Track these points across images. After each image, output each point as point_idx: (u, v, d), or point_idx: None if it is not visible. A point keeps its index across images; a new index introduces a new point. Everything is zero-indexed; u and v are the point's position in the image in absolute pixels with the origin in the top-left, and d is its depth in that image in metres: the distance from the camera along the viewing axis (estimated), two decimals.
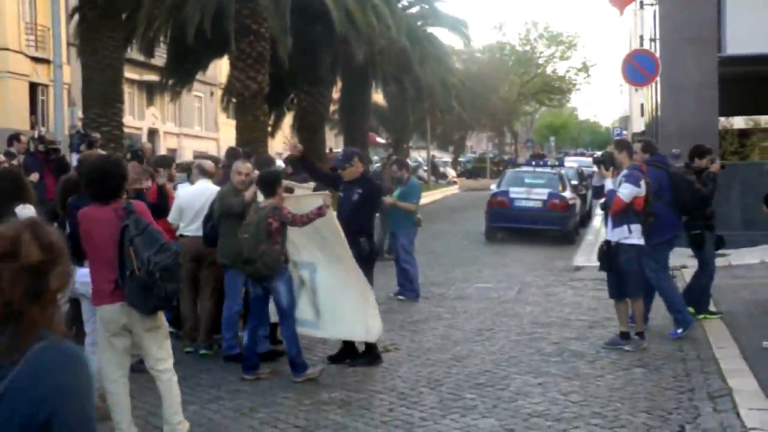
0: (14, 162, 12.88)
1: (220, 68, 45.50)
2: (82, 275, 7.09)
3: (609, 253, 10.14)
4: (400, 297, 13.67)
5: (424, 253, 16.36)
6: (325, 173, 10.92)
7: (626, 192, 9.89)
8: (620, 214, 10.02)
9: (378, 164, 60.89)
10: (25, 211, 6.78)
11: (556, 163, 28.64)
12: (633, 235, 10.02)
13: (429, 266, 16.24)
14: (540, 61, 76.67)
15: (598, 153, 20.59)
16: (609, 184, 10.17)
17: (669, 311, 10.88)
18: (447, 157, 71.59)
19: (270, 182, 8.95)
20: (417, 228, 14.65)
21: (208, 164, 10.73)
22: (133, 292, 6.51)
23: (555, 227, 22.06)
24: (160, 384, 6.91)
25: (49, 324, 2.52)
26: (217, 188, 9.97)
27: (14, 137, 14.60)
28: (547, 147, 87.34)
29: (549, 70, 77.93)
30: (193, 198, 10.12)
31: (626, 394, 8.30)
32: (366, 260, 9.51)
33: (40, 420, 2.42)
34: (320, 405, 8.00)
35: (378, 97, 44.24)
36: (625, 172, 10.11)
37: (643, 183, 10.01)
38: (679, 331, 10.53)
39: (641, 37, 33.92)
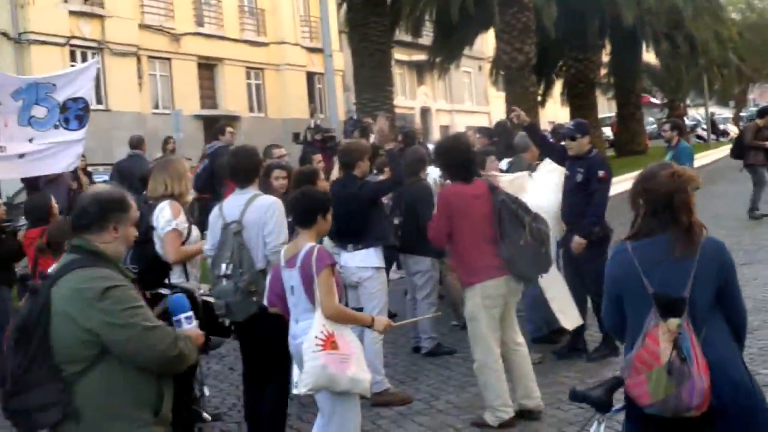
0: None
1: (487, 42, 45.56)
2: (350, 259, 7.28)
3: None
4: None
5: (706, 216, 15.58)
6: (553, 145, 9.68)
7: None
8: None
9: (653, 125, 59.09)
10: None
11: None
12: None
13: (713, 230, 15.38)
14: None
15: None
16: None
17: None
18: (728, 113, 68.16)
19: None
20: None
21: None
22: (526, 261, 6.75)
23: None
24: (516, 358, 6.94)
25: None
26: None
27: (219, 130, 14.87)
28: None
29: None
30: None
31: None
32: (597, 244, 8.47)
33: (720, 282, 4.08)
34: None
35: (649, 56, 42.74)
36: None
37: None
38: None
39: None
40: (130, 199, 4.08)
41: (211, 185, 13.26)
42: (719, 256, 4.13)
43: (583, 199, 8.37)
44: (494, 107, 50.90)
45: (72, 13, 27.31)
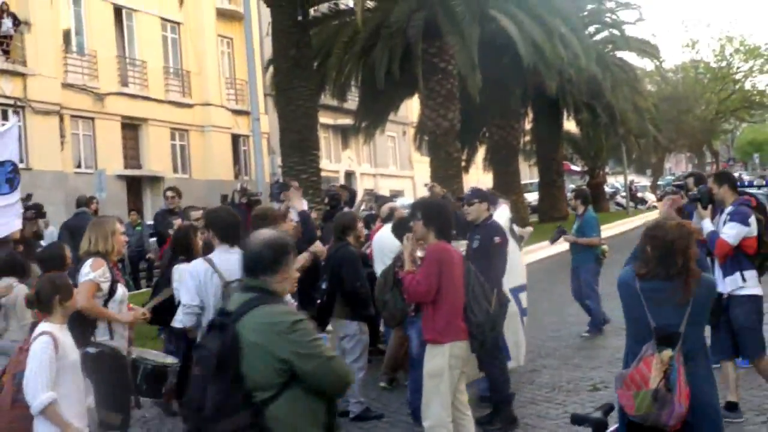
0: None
1: (411, 107, 46.08)
2: None
3: (719, 307, 8.13)
4: (584, 334, 13.17)
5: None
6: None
7: (733, 233, 8.23)
8: (730, 260, 8.31)
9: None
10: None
11: (764, 182, 27.21)
12: (748, 284, 8.30)
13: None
14: (737, 77, 73.67)
15: None
16: (707, 225, 8.49)
17: None
18: (645, 181, 69.73)
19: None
20: (602, 260, 13.66)
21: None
22: (484, 330, 7.03)
23: None
24: (465, 423, 7.07)
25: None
26: None
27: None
28: (750, 164, 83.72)
29: (748, 85, 74.78)
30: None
31: None
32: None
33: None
34: None
35: (570, 125, 43.72)
36: (729, 209, 8.42)
37: (753, 220, 8.29)
38: None
39: None
40: (292, 244, 4.61)
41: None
42: (711, 293, 5.19)
43: (484, 264, 8.43)
44: (418, 171, 51.30)
45: None
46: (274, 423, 4.13)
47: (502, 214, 9.88)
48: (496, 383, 8.72)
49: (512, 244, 9.52)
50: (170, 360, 7.29)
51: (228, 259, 6.59)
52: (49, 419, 5.63)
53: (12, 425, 5.62)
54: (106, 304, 6.70)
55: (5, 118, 27.11)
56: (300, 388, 4.18)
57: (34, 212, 13.96)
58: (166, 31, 36.10)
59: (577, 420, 5.22)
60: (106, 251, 6.84)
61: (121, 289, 6.87)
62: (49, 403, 5.61)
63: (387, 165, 53.59)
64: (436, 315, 7.00)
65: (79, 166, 30.99)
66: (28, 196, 16.01)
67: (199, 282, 6.61)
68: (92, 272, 6.79)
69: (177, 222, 11.98)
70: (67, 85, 30.15)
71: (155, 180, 32.25)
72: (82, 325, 6.60)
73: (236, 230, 6.81)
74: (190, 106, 36.35)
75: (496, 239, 8.73)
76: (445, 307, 6.95)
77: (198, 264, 6.75)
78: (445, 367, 6.89)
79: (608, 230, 33.67)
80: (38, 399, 5.57)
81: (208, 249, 7.74)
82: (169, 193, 15.17)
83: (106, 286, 6.73)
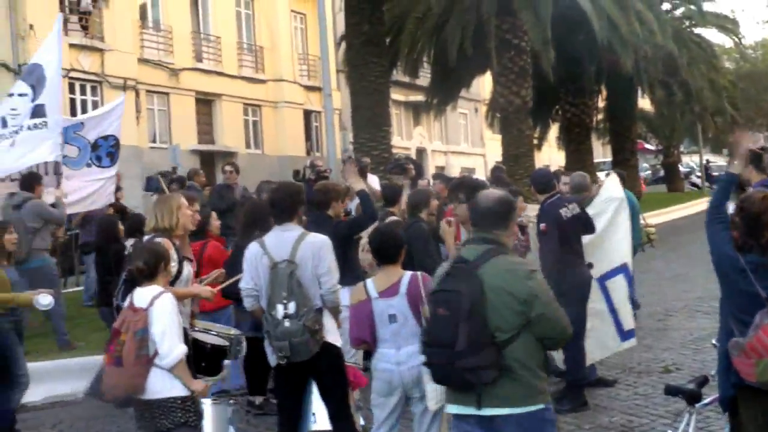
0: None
1: (483, 84, 45.81)
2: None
3: None
4: None
5: (703, 264, 15.64)
6: None
7: None
8: None
9: (648, 171, 59.06)
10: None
11: None
12: None
13: (708, 278, 15.48)
14: None
15: None
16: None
17: None
18: (722, 161, 68.45)
19: None
20: (643, 247, 13.37)
21: None
22: None
23: None
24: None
25: None
26: None
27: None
28: None
29: None
30: None
31: None
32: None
33: None
34: (600, 429, 7.79)
35: (645, 103, 43.04)
36: None
37: None
38: None
39: None
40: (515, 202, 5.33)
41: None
42: None
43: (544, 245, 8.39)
44: (490, 149, 51.08)
45: (72, 45, 27.32)
46: (512, 361, 4.65)
47: (613, 185, 9.81)
48: (572, 363, 8.66)
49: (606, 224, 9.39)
50: (234, 331, 7.36)
51: (281, 238, 6.59)
52: (178, 373, 5.94)
53: (133, 380, 5.88)
54: (173, 284, 6.78)
55: (84, 92, 27.58)
56: (530, 333, 4.70)
57: (177, 185, 14.50)
58: (240, 7, 36.28)
59: (672, 391, 5.38)
60: (171, 227, 6.88)
61: (187, 269, 6.93)
62: (183, 356, 5.96)
63: (458, 142, 53.38)
64: None
65: (153, 141, 31.43)
66: (174, 170, 16.29)
67: (252, 265, 6.65)
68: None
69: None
70: (142, 60, 30.53)
71: (228, 155, 32.49)
72: None
73: (290, 208, 6.74)
74: (263, 81, 36.56)
75: (541, 226, 8.73)
76: None
77: (252, 246, 6.75)
78: None
79: (681, 210, 33.28)
80: (174, 352, 5.90)
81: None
82: (228, 168, 15.31)
83: (173, 268, 6.70)
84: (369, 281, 6.40)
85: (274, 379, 7.17)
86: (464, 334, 4.57)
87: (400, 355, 6.14)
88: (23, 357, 9.16)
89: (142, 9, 31.60)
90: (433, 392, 5.93)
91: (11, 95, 12.17)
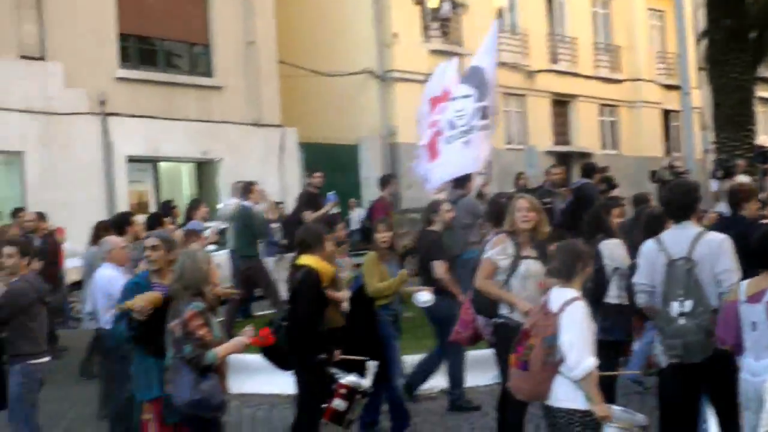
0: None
1: None
2: None
3: None
4: None
5: None
6: None
7: None
8: None
9: None
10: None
11: None
12: None
13: None
14: None
15: None
16: None
17: None
18: None
19: None
20: None
21: None
22: None
23: None
24: None
25: None
26: None
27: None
28: None
29: None
30: None
31: None
32: None
33: None
34: None
35: None
36: None
37: None
38: None
39: None
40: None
41: (573, 220, 13.32)
42: None
43: None
44: None
45: (432, 51, 28.54)
46: None
47: None
48: None
49: None
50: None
51: (679, 236, 6.48)
52: (586, 386, 5.60)
53: (538, 387, 5.74)
54: (508, 280, 6.90)
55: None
56: None
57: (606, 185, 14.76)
58: (596, 7, 36.13)
59: None
60: (512, 230, 7.07)
61: (524, 265, 6.99)
62: (592, 369, 5.62)
63: None
64: None
65: (509, 143, 32.01)
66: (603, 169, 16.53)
67: (648, 261, 6.58)
68: (490, 250, 7.13)
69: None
70: (499, 64, 31.18)
71: (584, 156, 32.43)
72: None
73: (686, 207, 6.62)
74: (619, 81, 36.16)
75: None
76: None
77: (648, 244, 6.68)
78: None
79: None
80: (581, 365, 5.56)
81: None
82: (554, 170, 15.28)
83: (505, 263, 6.88)
84: (744, 283, 6.00)
85: (659, 384, 6.90)
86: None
87: (756, 365, 5.75)
88: (399, 350, 9.25)
89: (499, 12, 32.33)
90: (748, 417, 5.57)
91: (454, 99, 12.57)
